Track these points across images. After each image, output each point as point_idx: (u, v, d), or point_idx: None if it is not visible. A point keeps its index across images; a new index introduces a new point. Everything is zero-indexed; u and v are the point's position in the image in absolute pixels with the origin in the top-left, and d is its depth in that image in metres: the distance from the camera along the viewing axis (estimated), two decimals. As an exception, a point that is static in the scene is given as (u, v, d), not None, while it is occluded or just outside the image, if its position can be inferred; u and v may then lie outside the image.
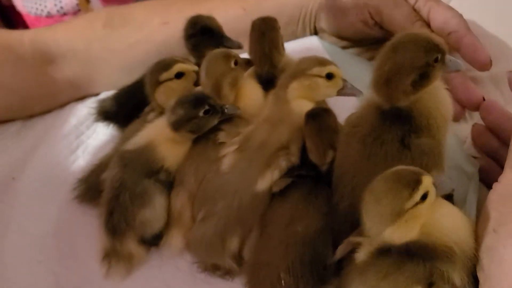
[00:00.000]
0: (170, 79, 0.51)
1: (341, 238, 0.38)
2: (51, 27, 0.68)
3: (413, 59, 0.38)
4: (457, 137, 0.52)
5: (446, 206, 0.37)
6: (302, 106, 0.46)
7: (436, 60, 0.39)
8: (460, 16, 0.53)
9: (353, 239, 0.37)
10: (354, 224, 0.38)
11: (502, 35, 0.63)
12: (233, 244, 0.43)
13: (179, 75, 0.51)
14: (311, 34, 0.67)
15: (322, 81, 0.46)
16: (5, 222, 0.52)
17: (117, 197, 0.46)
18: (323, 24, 0.64)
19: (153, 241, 0.48)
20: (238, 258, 0.44)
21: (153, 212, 0.46)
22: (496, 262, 0.34)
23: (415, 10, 0.55)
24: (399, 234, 0.34)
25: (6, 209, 0.53)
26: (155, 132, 0.48)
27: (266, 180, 0.43)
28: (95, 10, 0.90)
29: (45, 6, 1.74)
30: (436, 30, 0.53)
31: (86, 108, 0.64)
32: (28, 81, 0.66)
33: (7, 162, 0.59)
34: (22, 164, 0.58)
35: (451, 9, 0.53)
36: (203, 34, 0.55)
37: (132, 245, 0.47)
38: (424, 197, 0.34)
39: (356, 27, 0.59)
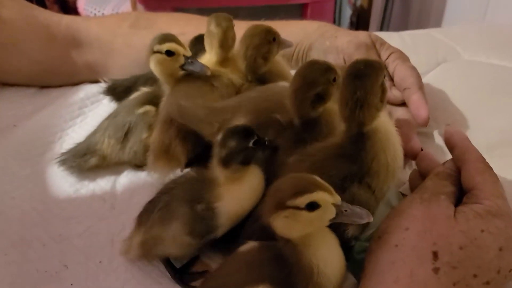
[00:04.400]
0: (160, 52, 0.55)
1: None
2: (87, 18, 0.80)
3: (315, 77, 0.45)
4: (397, 179, 0.58)
5: (334, 238, 0.40)
6: None
7: (334, 80, 0.45)
8: (417, 76, 0.60)
9: None
10: None
11: (474, 104, 0.69)
12: None
13: (169, 53, 0.55)
14: (302, 69, 0.75)
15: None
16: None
17: (161, 194, 0.47)
18: (310, 61, 0.72)
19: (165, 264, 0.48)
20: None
21: (163, 233, 0.45)
22: (372, 262, 0.39)
23: (384, 64, 0.63)
24: (276, 225, 0.37)
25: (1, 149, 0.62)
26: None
27: None
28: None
29: (103, 13, 1.94)
30: (395, 84, 0.61)
31: (96, 87, 0.74)
32: (54, 58, 0.75)
33: (16, 113, 0.69)
34: (28, 117, 0.68)
35: (411, 69, 0.61)
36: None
37: (136, 241, 0.47)
38: (312, 207, 0.36)
39: None
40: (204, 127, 0.53)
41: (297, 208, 0.36)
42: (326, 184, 0.37)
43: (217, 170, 0.45)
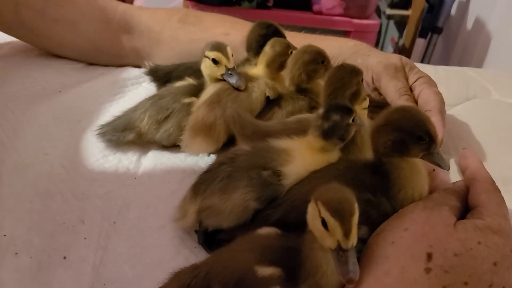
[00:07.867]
0: (208, 58, 0.61)
1: None
2: (141, 8, 0.85)
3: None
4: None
5: None
6: None
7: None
8: (440, 100, 0.62)
9: None
10: None
11: (496, 140, 0.70)
12: None
13: (214, 61, 0.61)
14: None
15: None
16: (38, 112, 0.67)
17: (220, 164, 0.47)
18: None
19: (202, 235, 0.49)
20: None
21: (222, 204, 0.45)
22: (367, 256, 0.40)
23: (411, 87, 0.65)
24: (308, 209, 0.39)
25: (43, 108, 0.68)
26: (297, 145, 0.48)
27: None
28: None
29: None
30: (419, 106, 0.63)
31: (138, 71, 0.79)
32: (106, 39, 0.81)
33: (62, 82, 0.74)
34: (72, 86, 0.73)
35: (436, 93, 0.62)
36: (274, 35, 0.66)
37: (192, 210, 0.47)
38: (324, 225, 0.36)
39: None
40: (244, 140, 0.55)
41: (319, 213, 0.37)
42: (352, 227, 0.36)
43: (313, 139, 0.48)
